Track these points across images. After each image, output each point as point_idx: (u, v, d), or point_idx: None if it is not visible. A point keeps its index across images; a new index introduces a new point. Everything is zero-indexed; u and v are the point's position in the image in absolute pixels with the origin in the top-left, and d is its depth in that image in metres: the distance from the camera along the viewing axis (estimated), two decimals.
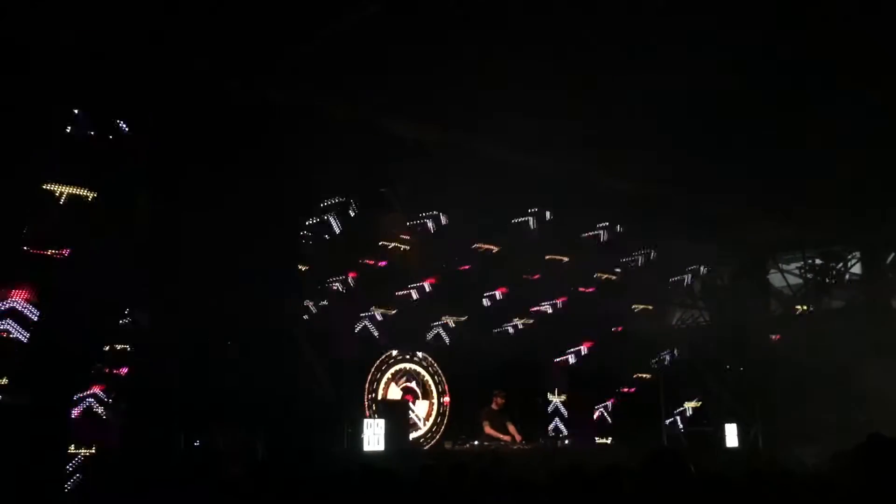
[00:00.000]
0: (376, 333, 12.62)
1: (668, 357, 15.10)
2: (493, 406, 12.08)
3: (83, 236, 8.64)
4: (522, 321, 14.28)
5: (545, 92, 8.95)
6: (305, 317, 11.18)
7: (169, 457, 8.05)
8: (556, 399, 14.42)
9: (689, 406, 14.42)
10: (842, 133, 9.91)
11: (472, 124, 9.87)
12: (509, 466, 7.68)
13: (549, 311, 14.62)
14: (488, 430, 11.77)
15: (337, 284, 12.19)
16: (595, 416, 14.65)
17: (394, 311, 12.73)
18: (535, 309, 14.41)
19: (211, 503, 4.81)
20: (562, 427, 14.33)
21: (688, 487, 3.50)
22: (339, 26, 7.94)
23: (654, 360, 15.10)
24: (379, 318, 12.66)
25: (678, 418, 13.99)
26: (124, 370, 8.89)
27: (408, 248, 12.44)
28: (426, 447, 12.39)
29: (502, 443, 11.45)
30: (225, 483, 6.07)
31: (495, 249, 13.18)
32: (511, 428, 11.91)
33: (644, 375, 15.11)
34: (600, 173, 11.79)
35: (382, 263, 12.44)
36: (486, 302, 13.81)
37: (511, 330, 14.28)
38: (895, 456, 3.24)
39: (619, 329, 15.23)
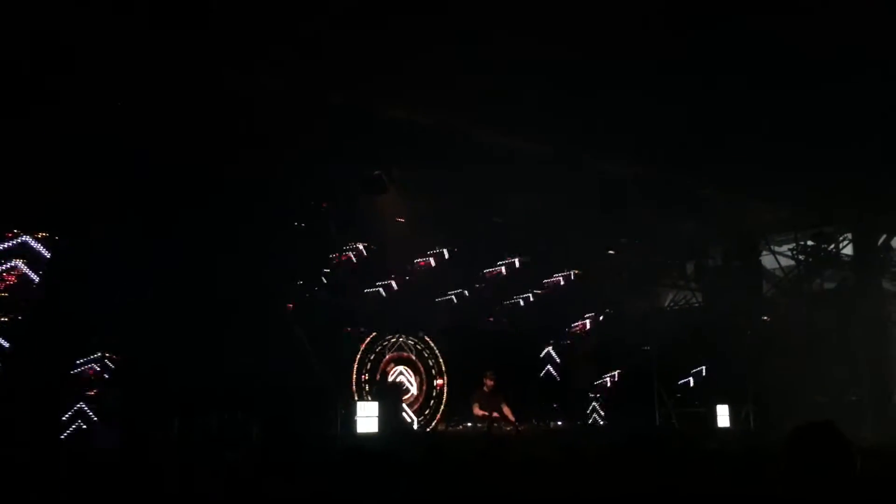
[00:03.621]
0: (370, 316, 12.64)
1: (661, 338, 15.15)
2: (484, 388, 12.11)
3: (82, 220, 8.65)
4: (519, 299, 14.40)
5: (539, 75, 8.91)
6: (300, 301, 11.19)
7: (165, 441, 8.07)
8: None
9: (682, 385, 14.49)
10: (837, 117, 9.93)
11: (468, 108, 9.81)
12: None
13: (542, 292, 14.72)
14: (477, 411, 11.81)
15: (332, 268, 12.18)
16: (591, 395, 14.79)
17: (385, 292, 12.78)
18: (532, 290, 14.52)
19: (208, 487, 4.84)
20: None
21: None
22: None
23: (646, 345, 15.18)
24: (374, 299, 12.69)
25: (670, 398, 14.05)
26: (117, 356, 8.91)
27: (402, 230, 12.46)
28: (419, 429, 12.45)
29: (494, 424, 11.50)
30: (222, 467, 6.10)
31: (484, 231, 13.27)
32: (506, 409, 11.94)
33: (637, 356, 15.19)
34: (594, 155, 11.76)
35: (375, 247, 12.48)
36: (479, 284, 13.86)
37: (505, 312, 14.34)
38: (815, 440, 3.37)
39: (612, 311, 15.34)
